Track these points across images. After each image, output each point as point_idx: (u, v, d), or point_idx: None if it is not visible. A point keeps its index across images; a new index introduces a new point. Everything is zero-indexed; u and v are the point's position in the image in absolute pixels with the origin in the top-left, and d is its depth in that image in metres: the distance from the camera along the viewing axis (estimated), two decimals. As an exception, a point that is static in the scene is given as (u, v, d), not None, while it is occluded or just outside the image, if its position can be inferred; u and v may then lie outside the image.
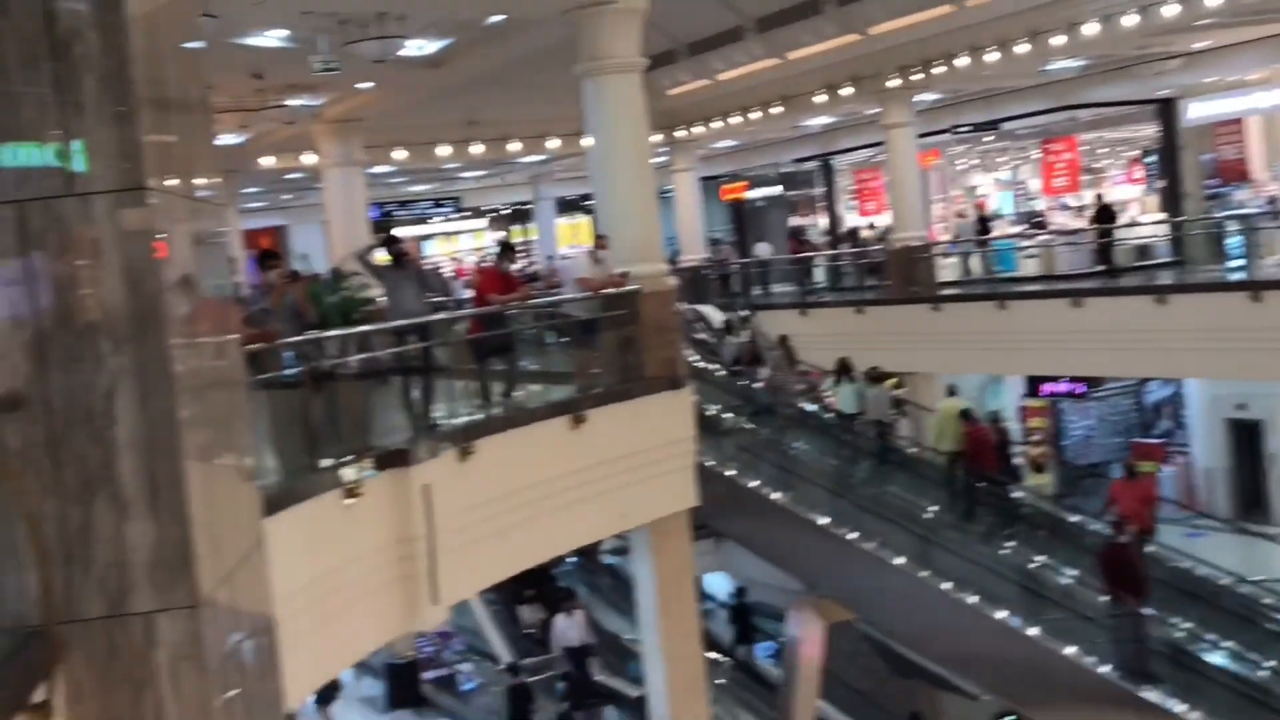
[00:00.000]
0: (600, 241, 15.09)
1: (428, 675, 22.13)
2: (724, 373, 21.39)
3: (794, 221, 39.53)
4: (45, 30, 4.54)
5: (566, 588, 23.67)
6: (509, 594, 22.88)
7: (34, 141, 4.58)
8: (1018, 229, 30.33)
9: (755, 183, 41.09)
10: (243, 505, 5.63)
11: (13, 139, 4.57)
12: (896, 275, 25.85)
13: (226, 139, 21.87)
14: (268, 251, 12.35)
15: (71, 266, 4.59)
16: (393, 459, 10.46)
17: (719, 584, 24.68)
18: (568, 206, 43.56)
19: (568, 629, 20.28)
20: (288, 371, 10.07)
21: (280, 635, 5.96)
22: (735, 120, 27.40)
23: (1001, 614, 15.26)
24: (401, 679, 21.40)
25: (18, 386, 4.54)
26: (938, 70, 22.38)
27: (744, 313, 25.77)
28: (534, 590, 23.08)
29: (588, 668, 20.30)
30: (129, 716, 4.59)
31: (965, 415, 18.25)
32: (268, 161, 26.12)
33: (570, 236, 42.94)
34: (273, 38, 15.76)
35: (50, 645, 4.45)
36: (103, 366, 4.58)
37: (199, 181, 5.53)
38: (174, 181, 5.00)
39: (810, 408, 20.83)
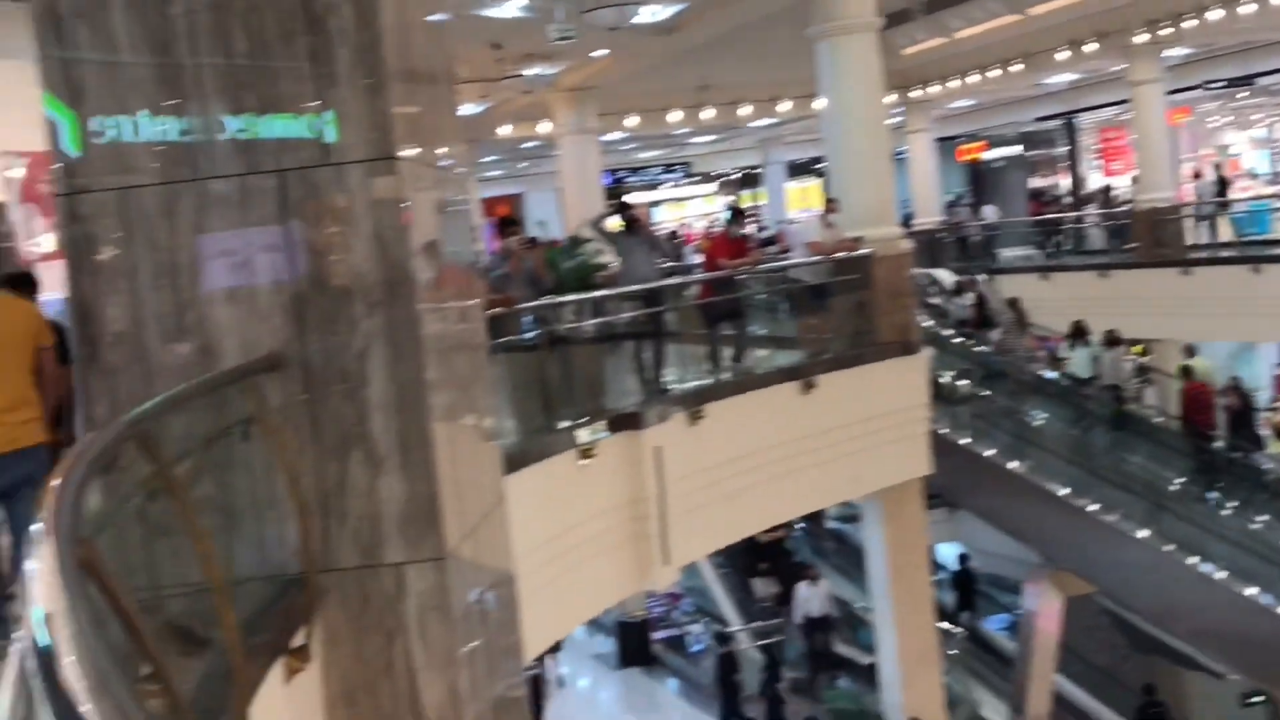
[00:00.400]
0: (831, 205, 14.92)
1: (658, 635, 22.44)
2: (959, 339, 20.95)
3: (1034, 182, 38.34)
4: (303, 6, 4.75)
5: (803, 562, 23.57)
6: (743, 566, 22.95)
7: (291, 113, 4.80)
8: (1275, 189, 28.67)
9: (994, 143, 39.99)
10: (485, 464, 5.80)
11: (272, 111, 4.80)
12: (1143, 238, 24.80)
13: (467, 109, 22.45)
14: (507, 218, 12.65)
15: (326, 233, 4.80)
16: (625, 421, 10.58)
17: (950, 554, 24.27)
18: (798, 170, 43.19)
19: (810, 598, 20.19)
20: (526, 335, 10.32)
21: (518, 590, 6.14)
22: (973, 79, 26.70)
23: (1251, 590, 14.56)
24: (632, 637, 21.76)
25: (279, 347, 4.78)
26: (1188, 24, 21.31)
27: (982, 276, 25.14)
28: (768, 564, 23.07)
29: (829, 637, 20.21)
30: (380, 662, 4.81)
31: (1185, 373, 17.52)
32: (505, 130, 26.71)
33: (800, 200, 42.58)
34: (511, 8, 16.05)
35: (309, 593, 4.69)
36: (356, 329, 4.78)
37: (443, 151, 5.70)
38: (420, 151, 5.17)
39: (1050, 374, 20.22)
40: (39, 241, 15.58)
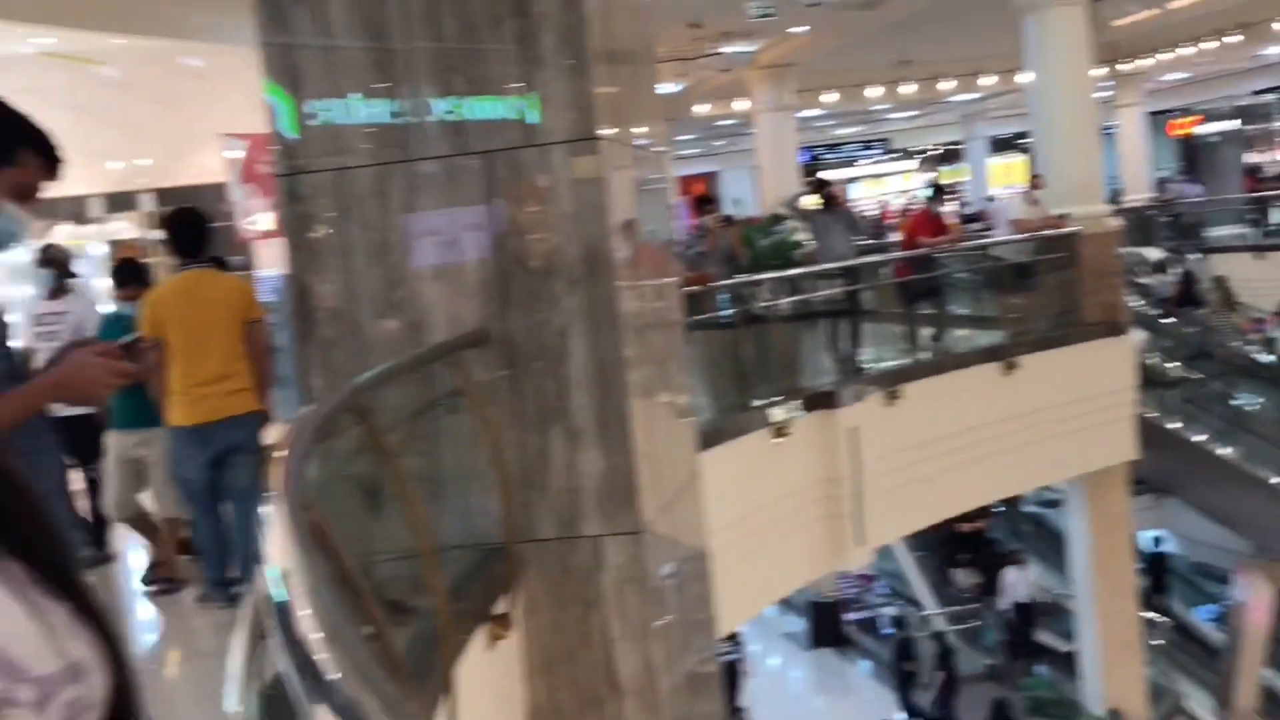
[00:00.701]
0: (1036, 181, 14.57)
1: (850, 616, 22.30)
2: (1169, 319, 20.22)
3: (1250, 158, 36.69)
4: (510, -10, 4.86)
5: (1006, 550, 23.09)
6: (943, 556, 22.60)
7: (496, 95, 4.92)
8: None
9: (1208, 117, 38.37)
10: (680, 440, 5.86)
11: (479, 93, 4.92)
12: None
13: (665, 88, 22.58)
14: (704, 197, 12.73)
15: (529, 212, 4.91)
16: (820, 400, 10.52)
17: (1145, 539, 23.51)
18: (1001, 145, 42.18)
19: (1017, 583, 19.83)
20: (722, 313, 10.35)
21: (712, 566, 6.19)
22: (1187, 51, 25.72)
23: None
24: (824, 617, 21.67)
25: (483, 324, 4.92)
26: None
27: (1194, 254, 24.22)
28: (969, 554, 22.67)
29: (1032, 623, 19.80)
30: (578, 632, 4.92)
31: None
32: (702, 109, 26.78)
33: (1003, 176, 41.56)
34: (711, -14, 16.13)
35: (510, 562, 4.83)
36: (557, 306, 4.88)
37: (642, 130, 5.76)
38: (620, 130, 5.24)
39: (1266, 358, 19.35)
40: (255, 220, 16.31)
